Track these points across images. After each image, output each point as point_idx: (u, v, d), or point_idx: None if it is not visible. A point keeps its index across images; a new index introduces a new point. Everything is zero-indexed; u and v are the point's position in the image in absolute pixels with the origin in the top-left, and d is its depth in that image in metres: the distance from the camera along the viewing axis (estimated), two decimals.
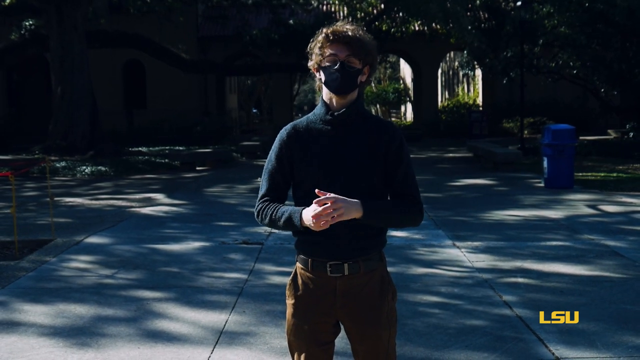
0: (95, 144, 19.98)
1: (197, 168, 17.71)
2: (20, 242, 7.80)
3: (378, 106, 48.82)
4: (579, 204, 10.74)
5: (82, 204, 11.48)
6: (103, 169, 16.64)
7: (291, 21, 25.55)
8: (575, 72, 21.77)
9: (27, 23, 22.44)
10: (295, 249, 2.78)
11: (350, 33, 2.63)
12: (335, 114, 2.68)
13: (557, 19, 20.40)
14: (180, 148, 22.43)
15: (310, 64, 2.72)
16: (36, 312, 5.45)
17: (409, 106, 48.56)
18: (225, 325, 5.08)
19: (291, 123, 2.79)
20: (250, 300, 5.71)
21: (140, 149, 22.23)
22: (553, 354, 4.42)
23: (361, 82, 2.70)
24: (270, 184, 2.76)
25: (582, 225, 8.86)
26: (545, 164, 12.57)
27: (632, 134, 21.36)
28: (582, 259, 6.99)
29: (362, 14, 26.08)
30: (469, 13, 23.53)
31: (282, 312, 5.31)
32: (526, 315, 5.17)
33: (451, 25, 21.57)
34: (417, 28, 27.80)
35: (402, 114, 56.48)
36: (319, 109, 2.74)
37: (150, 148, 22.86)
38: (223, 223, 9.48)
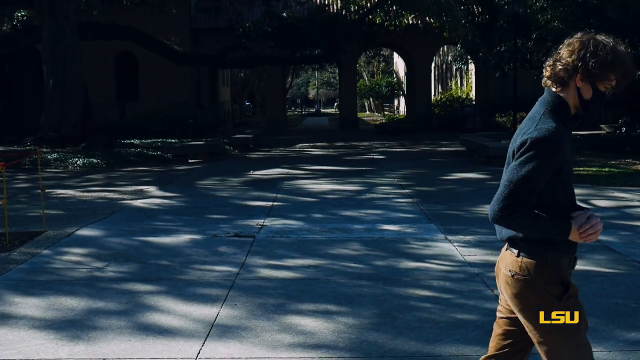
0: (87, 135, 19.92)
1: (190, 161, 17.68)
2: (11, 233, 7.76)
3: (371, 100, 48.78)
4: None
5: (74, 196, 11.44)
6: (95, 161, 16.59)
7: (284, 14, 25.49)
8: None
9: (18, 14, 22.32)
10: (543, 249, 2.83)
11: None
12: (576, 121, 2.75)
13: (550, 13, 20.40)
14: (173, 140, 22.39)
15: (574, 63, 2.60)
16: (27, 305, 5.42)
17: (402, 100, 48.58)
18: (216, 318, 5.07)
19: (553, 125, 2.60)
20: (241, 293, 5.70)
21: (132, 141, 22.17)
22: None
23: None
24: (533, 189, 2.68)
25: None
26: None
27: (624, 128, 21.45)
28: None
29: (356, 7, 26.05)
30: (462, 7, 23.55)
31: (273, 306, 5.31)
32: None
33: (445, 18, 21.58)
34: (410, 21, 27.79)
35: (395, 108, 56.53)
36: (564, 113, 2.67)
37: (143, 140, 22.80)
38: (215, 216, 9.47)
